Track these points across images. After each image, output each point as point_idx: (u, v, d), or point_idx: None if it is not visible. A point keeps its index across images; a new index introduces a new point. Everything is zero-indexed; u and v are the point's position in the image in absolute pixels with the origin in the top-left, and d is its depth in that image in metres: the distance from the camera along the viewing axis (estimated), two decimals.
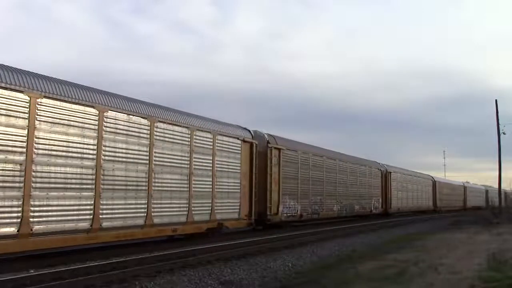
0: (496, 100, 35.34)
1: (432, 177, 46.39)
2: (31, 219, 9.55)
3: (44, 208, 9.88)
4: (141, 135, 12.54)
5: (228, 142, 16.32)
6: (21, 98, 9.53)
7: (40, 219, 9.76)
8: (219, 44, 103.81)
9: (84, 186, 10.81)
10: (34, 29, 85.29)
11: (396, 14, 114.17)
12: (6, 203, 9.17)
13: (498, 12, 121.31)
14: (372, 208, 30.62)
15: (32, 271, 8.80)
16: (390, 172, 34.15)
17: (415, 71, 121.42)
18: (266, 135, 19.33)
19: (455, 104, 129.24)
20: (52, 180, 10.10)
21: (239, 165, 16.81)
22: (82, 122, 10.85)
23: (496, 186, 46.14)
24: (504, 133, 34.17)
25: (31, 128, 9.66)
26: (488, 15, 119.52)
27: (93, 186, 11.01)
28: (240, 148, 16.93)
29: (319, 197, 23.27)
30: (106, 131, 11.44)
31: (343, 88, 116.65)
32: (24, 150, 9.51)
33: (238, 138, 16.87)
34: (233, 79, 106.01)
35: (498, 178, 35.49)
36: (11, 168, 9.27)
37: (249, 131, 18.05)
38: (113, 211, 11.53)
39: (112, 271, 8.92)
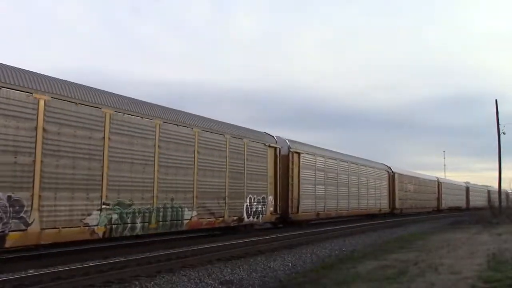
0: (496, 100, 35.20)
1: (390, 168, 35.19)
2: None
3: None
4: None
5: None
6: None
7: None
8: (218, 44, 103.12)
9: None
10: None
11: (396, 13, 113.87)
12: None
13: (499, 11, 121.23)
14: (246, 215, 17.40)
15: (31, 271, 8.69)
16: (299, 153, 21.02)
17: (415, 71, 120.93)
18: None
19: (455, 104, 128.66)
20: None
21: None
22: None
23: (494, 185, 47.13)
24: (504, 133, 33.94)
25: None
26: (489, 14, 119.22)
27: None
28: None
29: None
30: None
31: (343, 88, 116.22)
32: None
33: None
34: (232, 79, 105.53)
35: (498, 178, 35.11)
36: None
37: None
38: None
39: (111, 271, 8.81)
